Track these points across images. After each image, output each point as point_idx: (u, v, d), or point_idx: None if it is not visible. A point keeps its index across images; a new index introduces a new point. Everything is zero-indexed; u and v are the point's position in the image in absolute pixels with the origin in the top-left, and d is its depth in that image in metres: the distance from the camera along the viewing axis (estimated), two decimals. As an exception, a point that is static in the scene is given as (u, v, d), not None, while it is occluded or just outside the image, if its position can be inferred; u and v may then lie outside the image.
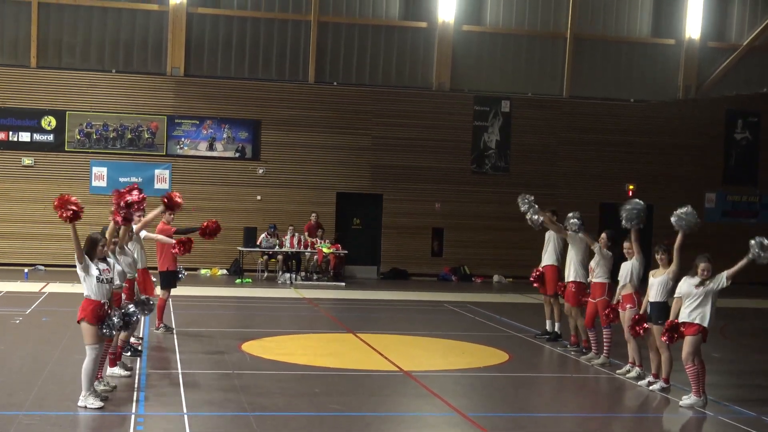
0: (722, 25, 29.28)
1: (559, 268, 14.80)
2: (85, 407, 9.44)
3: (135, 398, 10.12)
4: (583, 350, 14.01)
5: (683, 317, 10.65)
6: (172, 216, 15.01)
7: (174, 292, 15.28)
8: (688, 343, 10.58)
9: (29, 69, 25.57)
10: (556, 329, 15.36)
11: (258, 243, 24.76)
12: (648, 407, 11.16)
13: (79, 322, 9.52)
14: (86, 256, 9.47)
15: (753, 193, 29.40)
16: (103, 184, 25.61)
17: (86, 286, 9.52)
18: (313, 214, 25.63)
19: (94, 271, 9.47)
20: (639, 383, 11.87)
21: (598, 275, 13.16)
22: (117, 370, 11.02)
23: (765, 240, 10.42)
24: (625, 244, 12.36)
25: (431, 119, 27.23)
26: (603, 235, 13.37)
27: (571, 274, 14.01)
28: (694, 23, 28.80)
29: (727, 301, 18.09)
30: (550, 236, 15.20)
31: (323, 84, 27.02)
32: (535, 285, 15.44)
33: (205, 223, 14.17)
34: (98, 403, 9.49)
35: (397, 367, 12.61)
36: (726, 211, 29.21)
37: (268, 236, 24.65)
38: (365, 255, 27.14)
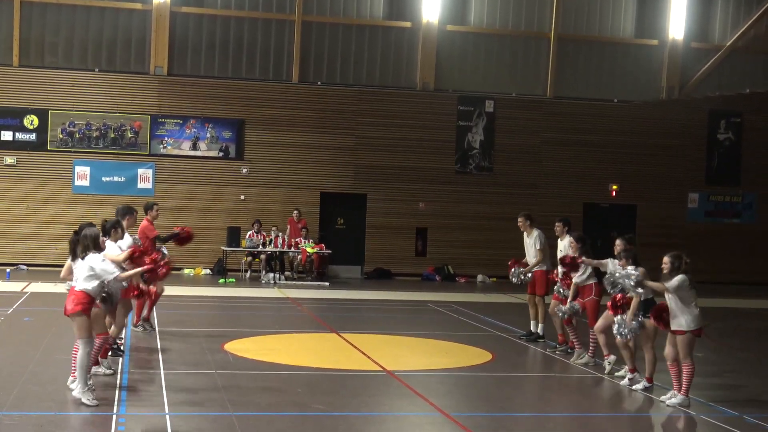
0: (705, 25, 29.39)
1: (548, 271, 14.89)
2: (81, 401, 9.57)
3: (117, 398, 10.07)
4: (568, 350, 14.08)
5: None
6: (157, 213, 15.00)
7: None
8: (683, 342, 10.63)
9: (11, 68, 25.41)
10: (538, 330, 15.41)
11: (249, 236, 24.53)
12: (631, 406, 11.19)
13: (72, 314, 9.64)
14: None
15: (735, 193, 29.52)
16: (86, 183, 25.52)
17: (90, 282, 9.65)
18: (295, 211, 25.55)
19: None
20: (622, 382, 11.91)
21: (582, 276, 13.25)
22: (100, 369, 10.96)
23: (616, 277, 10.85)
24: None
25: (415, 119, 27.22)
26: (571, 239, 13.54)
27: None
28: (677, 24, 28.90)
29: (707, 301, 18.18)
30: (533, 241, 15.28)
31: (307, 84, 26.97)
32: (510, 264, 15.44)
33: (179, 229, 14.84)
34: (94, 402, 9.58)
35: (381, 366, 12.61)
36: (709, 211, 29.31)
37: (254, 234, 24.52)
38: (349, 255, 27.10)
